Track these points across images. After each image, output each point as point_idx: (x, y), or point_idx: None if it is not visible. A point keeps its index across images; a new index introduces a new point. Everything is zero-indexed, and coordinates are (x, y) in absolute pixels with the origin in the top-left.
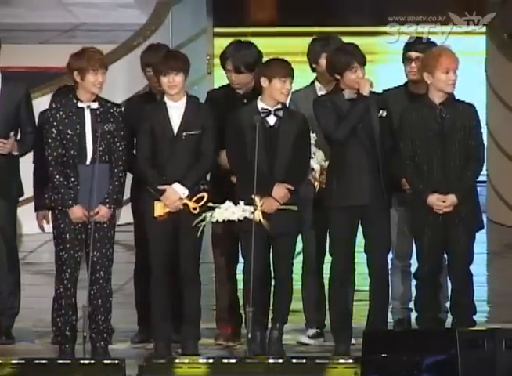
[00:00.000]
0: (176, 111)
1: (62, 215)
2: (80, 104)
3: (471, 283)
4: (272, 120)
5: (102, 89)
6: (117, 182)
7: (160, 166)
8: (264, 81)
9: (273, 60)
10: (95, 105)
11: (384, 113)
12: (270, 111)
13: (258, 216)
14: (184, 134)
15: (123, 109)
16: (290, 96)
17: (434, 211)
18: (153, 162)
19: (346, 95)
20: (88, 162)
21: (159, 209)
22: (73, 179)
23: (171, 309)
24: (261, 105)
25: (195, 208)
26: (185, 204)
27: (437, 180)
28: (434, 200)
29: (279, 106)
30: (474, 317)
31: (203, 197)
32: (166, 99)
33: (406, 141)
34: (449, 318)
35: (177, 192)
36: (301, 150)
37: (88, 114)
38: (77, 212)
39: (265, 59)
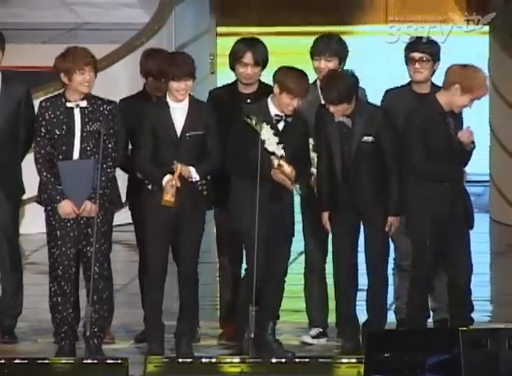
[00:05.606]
0: (179, 112)
1: (53, 212)
2: (69, 104)
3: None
4: (281, 125)
5: (105, 87)
6: (103, 178)
7: (164, 167)
8: (276, 88)
9: (292, 73)
10: (83, 103)
11: (370, 139)
12: (282, 118)
13: (279, 162)
14: (188, 134)
15: (114, 106)
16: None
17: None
18: (156, 163)
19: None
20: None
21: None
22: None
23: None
24: (274, 111)
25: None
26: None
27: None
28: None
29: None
30: (476, 317)
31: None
32: (168, 99)
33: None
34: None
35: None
36: (302, 149)
37: (77, 113)
38: (66, 208)
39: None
